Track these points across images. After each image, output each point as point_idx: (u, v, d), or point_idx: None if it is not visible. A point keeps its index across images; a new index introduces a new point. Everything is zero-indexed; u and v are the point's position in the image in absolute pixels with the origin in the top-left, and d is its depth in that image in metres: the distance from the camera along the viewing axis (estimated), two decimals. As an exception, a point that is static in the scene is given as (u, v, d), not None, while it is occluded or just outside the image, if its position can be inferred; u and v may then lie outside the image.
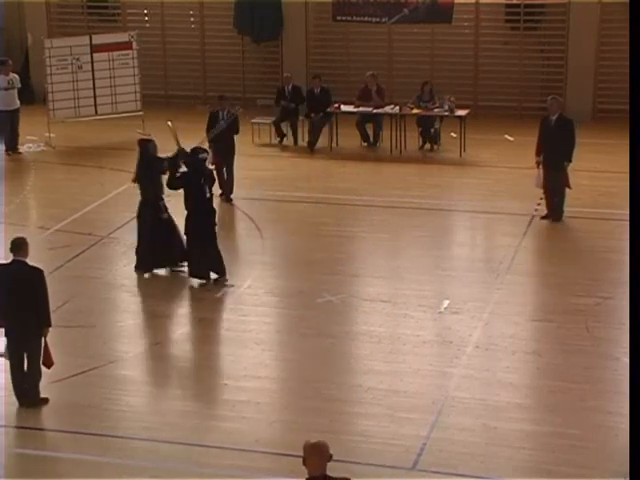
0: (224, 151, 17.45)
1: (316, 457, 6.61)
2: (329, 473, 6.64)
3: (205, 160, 14.07)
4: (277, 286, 13.97)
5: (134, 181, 14.82)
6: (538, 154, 16.24)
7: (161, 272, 14.39)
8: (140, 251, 14.53)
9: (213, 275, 13.99)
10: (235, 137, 17.65)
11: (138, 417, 10.55)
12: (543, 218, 16.23)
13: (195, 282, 14.02)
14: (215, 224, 14.01)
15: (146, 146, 14.63)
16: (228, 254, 14.76)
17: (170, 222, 14.48)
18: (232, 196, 17.46)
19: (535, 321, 12.74)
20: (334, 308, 13.12)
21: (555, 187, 16.16)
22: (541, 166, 16.14)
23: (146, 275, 14.35)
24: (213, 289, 13.78)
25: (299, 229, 16.20)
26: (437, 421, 10.31)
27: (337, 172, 19.28)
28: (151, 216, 14.42)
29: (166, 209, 14.48)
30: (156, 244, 14.30)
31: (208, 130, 17.68)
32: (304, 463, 6.62)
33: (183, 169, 14.05)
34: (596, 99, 22.93)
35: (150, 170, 14.45)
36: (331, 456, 6.65)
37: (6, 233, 15.86)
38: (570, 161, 16.09)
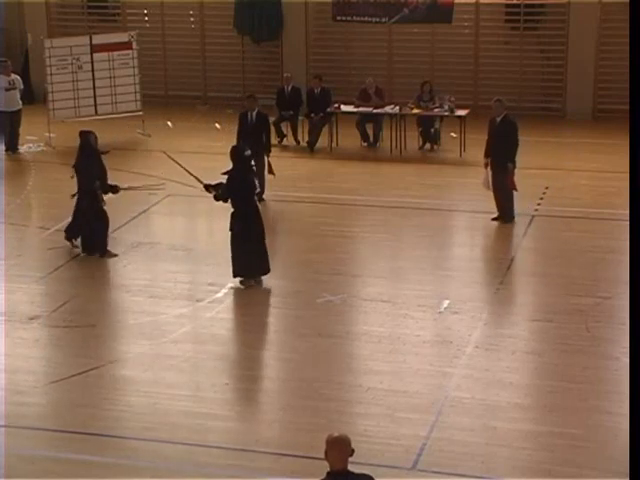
0: (254, 152, 17.30)
1: (336, 451, 6.58)
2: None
3: (250, 157, 14.02)
4: (277, 286, 13.95)
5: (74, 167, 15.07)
6: (486, 155, 16.23)
7: (161, 272, 14.39)
8: (83, 238, 15.03)
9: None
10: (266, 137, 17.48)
11: (138, 417, 10.54)
12: (494, 220, 16.19)
13: (235, 282, 13.85)
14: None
15: (87, 137, 15.03)
16: (228, 254, 14.75)
17: (104, 212, 14.87)
18: (263, 196, 17.46)
19: (535, 321, 12.74)
20: (334, 308, 13.12)
21: (501, 189, 16.08)
22: (489, 168, 16.15)
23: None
24: (256, 287, 13.76)
25: (299, 229, 16.20)
26: (437, 421, 10.31)
27: (337, 172, 19.28)
28: (90, 205, 14.73)
29: (103, 199, 14.84)
30: (96, 231, 14.82)
31: (239, 131, 17.42)
32: (325, 456, 6.62)
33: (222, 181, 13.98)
34: (596, 99, 22.94)
35: (89, 161, 14.76)
36: (353, 450, 6.62)
37: (6, 233, 15.91)
38: (512, 162, 15.99)
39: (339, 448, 6.60)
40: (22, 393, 10.99)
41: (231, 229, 13.69)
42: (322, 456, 6.64)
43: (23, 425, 10.39)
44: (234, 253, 13.74)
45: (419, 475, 9.42)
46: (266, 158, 17.27)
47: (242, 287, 13.74)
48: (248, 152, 13.93)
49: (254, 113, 17.42)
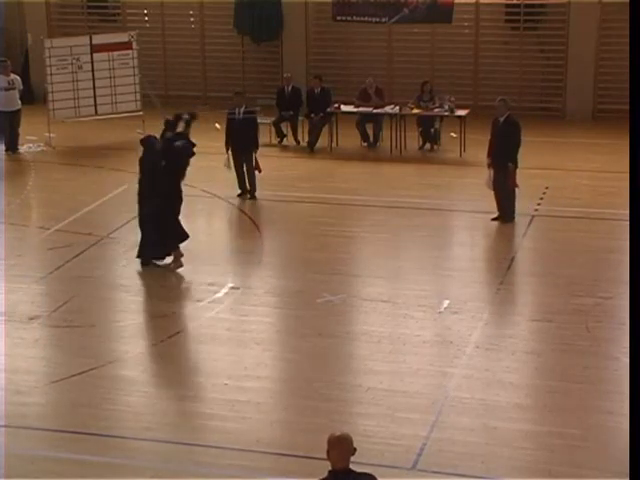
0: (241, 148, 17.38)
1: (338, 450, 6.59)
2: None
3: (179, 148, 14.19)
4: (277, 286, 13.96)
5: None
6: (489, 155, 16.20)
7: (161, 272, 14.39)
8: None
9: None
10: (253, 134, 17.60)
11: (138, 417, 10.55)
12: (494, 220, 16.19)
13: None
14: None
15: (149, 140, 14.71)
16: (228, 254, 14.78)
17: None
18: (255, 194, 17.50)
19: (535, 321, 12.74)
20: (334, 308, 13.12)
21: (503, 189, 16.08)
22: (491, 167, 16.15)
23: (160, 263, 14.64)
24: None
25: (299, 229, 16.20)
26: (437, 421, 10.31)
27: (337, 172, 19.29)
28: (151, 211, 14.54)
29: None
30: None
31: (227, 128, 17.59)
32: (327, 456, 6.63)
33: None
34: (596, 99, 22.95)
35: (154, 162, 14.48)
36: (355, 450, 6.64)
37: (6, 233, 15.91)
38: (513, 162, 15.98)
39: (341, 447, 6.61)
40: (22, 393, 10.99)
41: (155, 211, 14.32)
42: (323, 456, 6.65)
43: (23, 425, 10.38)
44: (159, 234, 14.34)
45: (419, 475, 9.42)
46: (254, 155, 17.36)
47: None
48: (178, 144, 14.21)
49: (241, 109, 17.50)
